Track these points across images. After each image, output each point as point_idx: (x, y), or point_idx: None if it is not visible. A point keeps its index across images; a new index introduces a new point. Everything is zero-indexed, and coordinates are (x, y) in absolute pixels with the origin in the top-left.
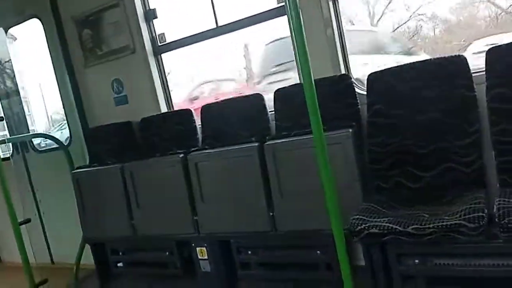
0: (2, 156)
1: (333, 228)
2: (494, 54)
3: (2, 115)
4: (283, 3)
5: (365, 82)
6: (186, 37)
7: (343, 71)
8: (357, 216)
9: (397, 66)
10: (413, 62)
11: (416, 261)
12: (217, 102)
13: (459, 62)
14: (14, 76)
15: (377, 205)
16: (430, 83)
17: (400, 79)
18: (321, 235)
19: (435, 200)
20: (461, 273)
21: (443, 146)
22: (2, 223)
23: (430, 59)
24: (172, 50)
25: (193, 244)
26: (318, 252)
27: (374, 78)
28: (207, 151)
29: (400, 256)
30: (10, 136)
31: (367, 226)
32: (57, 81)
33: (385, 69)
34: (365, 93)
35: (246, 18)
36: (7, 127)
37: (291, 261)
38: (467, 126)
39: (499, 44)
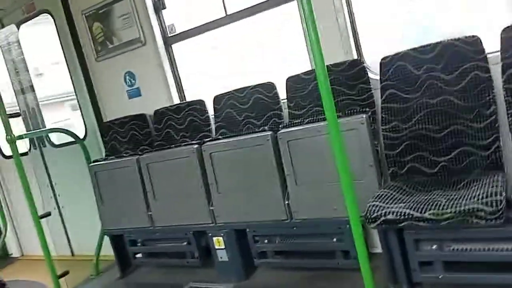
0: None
1: (350, 215)
2: (510, 34)
3: (19, 111)
4: None
5: (378, 66)
6: (196, 27)
7: (355, 56)
8: (373, 203)
9: (410, 49)
10: (427, 44)
11: (434, 246)
12: (229, 91)
13: (474, 43)
14: (28, 72)
15: (393, 191)
16: (444, 65)
17: (413, 62)
18: (337, 222)
19: (451, 184)
20: (479, 258)
21: (458, 130)
22: (23, 217)
23: (444, 40)
24: (182, 40)
25: (209, 234)
26: (335, 239)
27: (387, 62)
28: (221, 141)
29: (418, 242)
30: (26, 131)
31: (384, 213)
32: (70, 75)
33: (398, 53)
34: (378, 78)
35: (255, 5)
36: (24, 123)
37: (307, 249)
38: (483, 108)
39: None
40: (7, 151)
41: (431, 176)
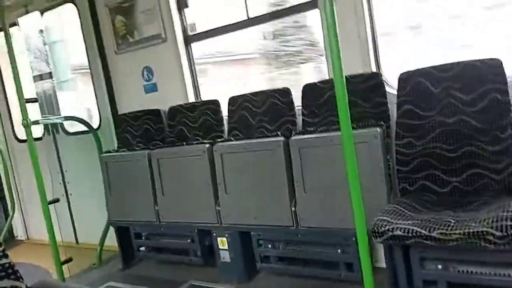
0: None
1: (357, 228)
2: None
3: (36, 96)
4: None
5: (396, 81)
6: (217, 28)
7: (374, 69)
8: (382, 217)
9: (430, 67)
10: (447, 63)
11: (439, 266)
12: (244, 94)
13: (494, 65)
14: (48, 58)
15: (402, 207)
16: (463, 85)
17: (433, 79)
18: (343, 233)
19: (462, 205)
20: (485, 282)
21: (472, 151)
22: (31, 201)
23: (465, 60)
24: (202, 40)
25: (214, 234)
26: (339, 250)
27: (406, 78)
28: (233, 142)
29: (423, 260)
30: (42, 117)
31: (392, 228)
32: (89, 66)
33: (417, 69)
34: (395, 92)
35: (277, 10)
36: (40, 109)
37: (311, 258)
38: (499, 132)
39: None
40: (22, 135)
41: (441, 196)
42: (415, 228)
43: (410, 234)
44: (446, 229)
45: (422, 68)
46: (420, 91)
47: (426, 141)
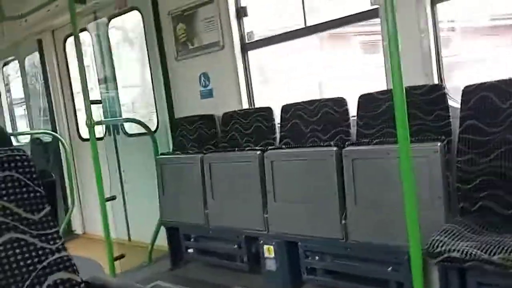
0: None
1: (411, 246)
2: None
3: (100, 98)
4: (377, 5)
5: (460, 94)
6: (274, 36)
7: (436, 81)
8: (438, 237)
9: (497, 80)
10: None
11: None
12: (298, 102)
13: None
14: (113, 62)
15: (461, 228)
16: None
17: (499, 93)
18: (395, 251)
19: None
20: None
21: None
22: (89, 198)
23: None
24: (259, 48)
25: (261, 241)
26: (390, 268)
27: (470, 91)
28: (284, 150)
29: (481, 286)
30: (104, 118)
31: (448, 249)
32: (150, 70)
33: (483, 82)
34: (458, 106)
35: (337, 19)
36: (103, 110)
37: (359, 273)
38: None
39: None
40: (85, 134)
41: (504, 218)
42: (474, 251)
43: (468, 257)
44: (509, 254)
45: (488, 82)
46: (486, 105)
47: (490, 158)
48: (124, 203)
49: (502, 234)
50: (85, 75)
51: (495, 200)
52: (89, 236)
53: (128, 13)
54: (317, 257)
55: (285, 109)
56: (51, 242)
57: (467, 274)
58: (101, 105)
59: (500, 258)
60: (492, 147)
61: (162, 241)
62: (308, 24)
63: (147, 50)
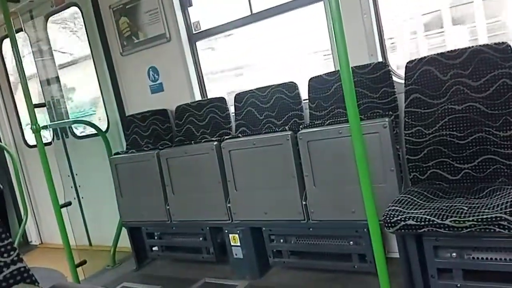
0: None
1: (368, 219)
2: None
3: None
4: None
5: (403, 70)
6: (221, 25)
7: (380, 59)
8: (393, 207)
9: (437, 54)
10: (454, 50)
11: (453, 254)
12: (251, 89)
13: (503, 50)
14: (55, 62)
15: (414, 197)
16: (471, 71)
17: (440, 67)
18: (355, 225)
19: (474, 192)
20: (500, 268)
21: (483, 137)
22: (43, 206)
23: (473, 46)
24: (206, 38)
25: (226, 231)
26: (351, 242)
27: (413, 66)
28: (240, 139)
29: (437, 249)
30: (50, 122)
31: (404, 218)
32: (95, 68)
33: (424, 57)
34: (402, 81)
35: (281, 4)
36: (48, 113)
37: (323, 251)
38: (510, 116)
39: None
40: (31, 140)
41: (453, 183)
42: (428, 217)
43: (422, 223)
44: (459, 217)
45: (429, 56)
46: (428, 79)
47: (435, 129)
48: (81, 208)
49: (452, 199)
50: (26, 77)
51: (443, 167)
52: (47, 246)
53: (67, 9)
54: (281, 240)
55: (238, 97)
56: (5, 255)
57: (423, 239)
58: (45, 108)
59: (452, 221)
60: (436, 118)
61: (125, 242)
62: (254, 11)
63: (90, 46)
